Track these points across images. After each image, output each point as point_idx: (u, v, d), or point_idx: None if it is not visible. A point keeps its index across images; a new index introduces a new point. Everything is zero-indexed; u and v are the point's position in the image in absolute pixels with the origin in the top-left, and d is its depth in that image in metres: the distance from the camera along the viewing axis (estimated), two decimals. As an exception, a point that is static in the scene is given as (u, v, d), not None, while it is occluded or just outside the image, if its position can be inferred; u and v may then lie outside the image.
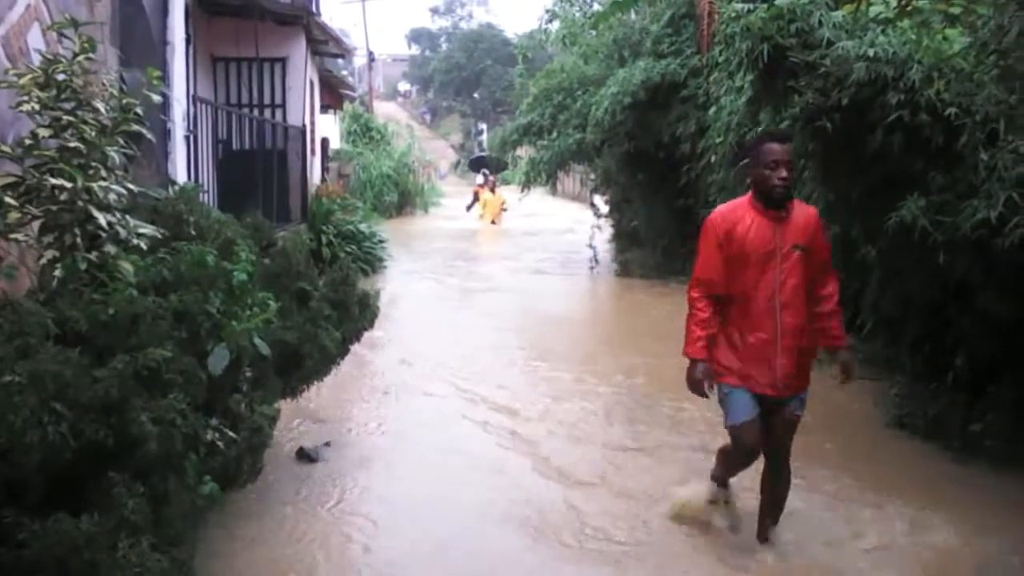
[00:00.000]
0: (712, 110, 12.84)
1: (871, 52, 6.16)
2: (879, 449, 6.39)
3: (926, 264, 6.00)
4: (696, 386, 4.48)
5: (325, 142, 22.19)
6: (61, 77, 4.23)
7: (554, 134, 15.84)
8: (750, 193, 4.51)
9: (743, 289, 4.40)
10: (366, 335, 6.41)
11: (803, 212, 4.53)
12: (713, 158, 12.72)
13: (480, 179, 31.26)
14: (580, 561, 4.70)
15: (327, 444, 6.29)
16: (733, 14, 7.29)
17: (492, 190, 28.98)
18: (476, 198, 30.52)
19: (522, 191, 17.17)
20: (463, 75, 58.69)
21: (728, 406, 4.54)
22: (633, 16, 15.70)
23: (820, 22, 6.65)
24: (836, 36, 6.52)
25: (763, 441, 4.55)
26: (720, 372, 4.52)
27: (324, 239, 14.57)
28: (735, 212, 4.47)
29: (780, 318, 4.36)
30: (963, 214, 5.66)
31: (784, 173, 4.33)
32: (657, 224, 15.54)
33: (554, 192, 28.54)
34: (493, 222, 27.56)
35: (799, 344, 4.43)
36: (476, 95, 59.57)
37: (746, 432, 4.50)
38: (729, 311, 4.48)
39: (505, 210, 28.11)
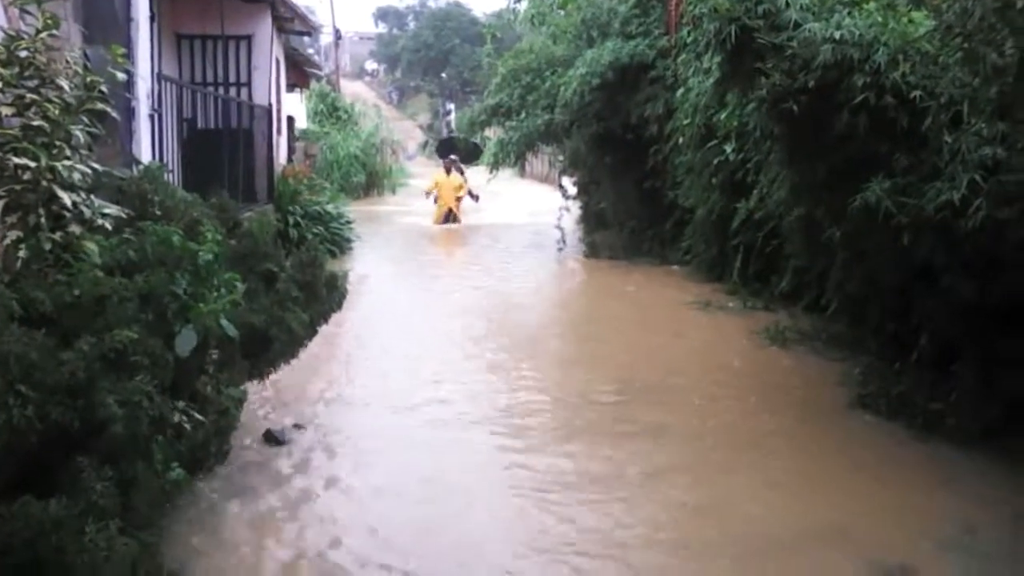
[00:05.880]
0: (680, 91, 12.87)
1: (837, 34, 6.18)
2: (842, 428, 6.48)
3: (890, 245, 6.07)
4: None
5: (291, 121, 21.97)
6: (24, 54, 4.17)
7: (522, 115, 15.79)
8: None
9: None
10: (334, 317, 6.39)
11: None
12: (681, 140, 12.76)
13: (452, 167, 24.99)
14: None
15: (295, 426, 6.27)
16: (701, -5, 7.28)
17: (448, 171, 21.72)
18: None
19: (490, 172, 17.12)
20: (431, 54, 58.30)
21: None
22: (602, -4, 15.67)
23: (787, 4, 6.66)
24: (803, 18, 6.54)
25: None
26: None
27: (291, 220, 14.47)
28: None
29: None
30: (927, 196, 5.73)
31: None
32: (625, 206, 15.59)
33: (522, 174, 28.14)
34: (450, 216, 21.03)
35: None
36: (444, 75, 59.25)
37: None
38: None
39: (465, 197, 21.80)
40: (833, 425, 6.53)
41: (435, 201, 21.47)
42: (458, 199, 21.50)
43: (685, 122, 12.45)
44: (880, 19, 6.30)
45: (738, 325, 9.69)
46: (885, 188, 5.90)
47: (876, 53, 6.07)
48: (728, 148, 11.06)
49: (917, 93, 5.93)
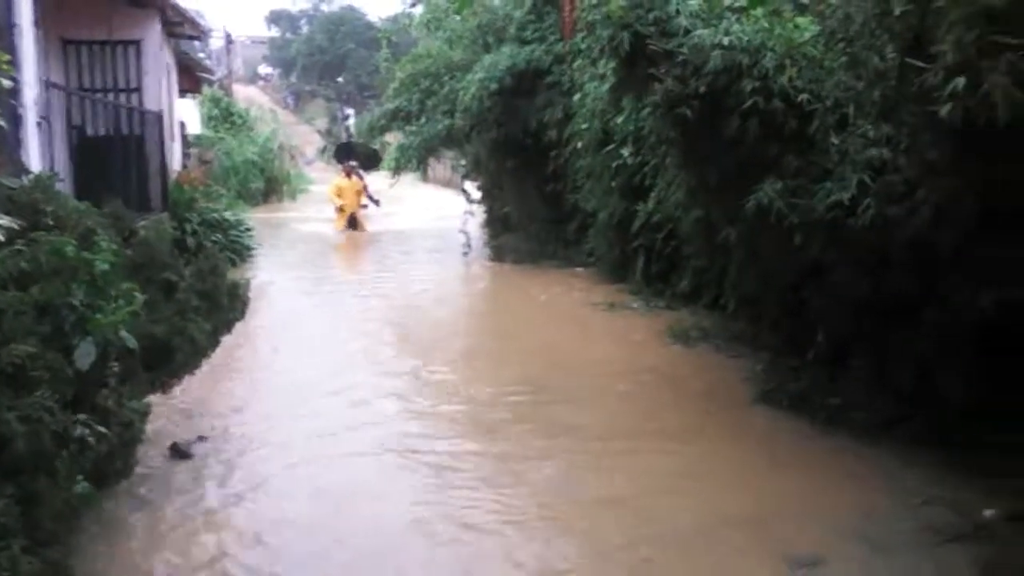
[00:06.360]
0: (577, 96, 13.04)
1: (726, 40, 6.33)
2: (747, 423, 6.66)
3: (783, 245, 6.25)
4: None
5: (183, 127, 21.50)
6: (-97, 62, 4.02)
7: (423, 120, 15.80)
8: None
9: None
10: (238, 326, 6.31)
11: None
12: (579, 144, 12.93)
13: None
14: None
15: (201, 439, 6.17)
16: (594, 1, 7.39)
17: (348, 175, 20.92)
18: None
19: (392, 177, 17.06)
20: (326, 59, 57.57)
21: None
22: (496, 1, 15.77)
23: (677, 11, 6.77)
24: (693, 25, 6.66)
25: None
26: None
27: (188, 228, 14.13)
28: None
29: None
30: (817, 196, 5.94)
31: None
32: (528, 209, 15.70)
33: (425, 178, 28.01)
34: (353, 222, 20.28)
35: None
36: (340, 79, 58.57)
37: None
38: None
39: (370, 204, 21.32)
40: (739, 421, 6.70)
41: (337, 208, 20.67)
42: (363, 205, 20.93)
43: (583, 127, 12.62)
44: (767, 25, 6.47)
45: (643, 325, 9.88)
46: (777, 189, 6.08)
47: (764, 58, 6.24)
48: (625, 152, 11.26)
49: (804, 97, 6.13)
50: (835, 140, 6.02)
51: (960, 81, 4.32)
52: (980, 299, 5.25)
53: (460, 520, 5.02)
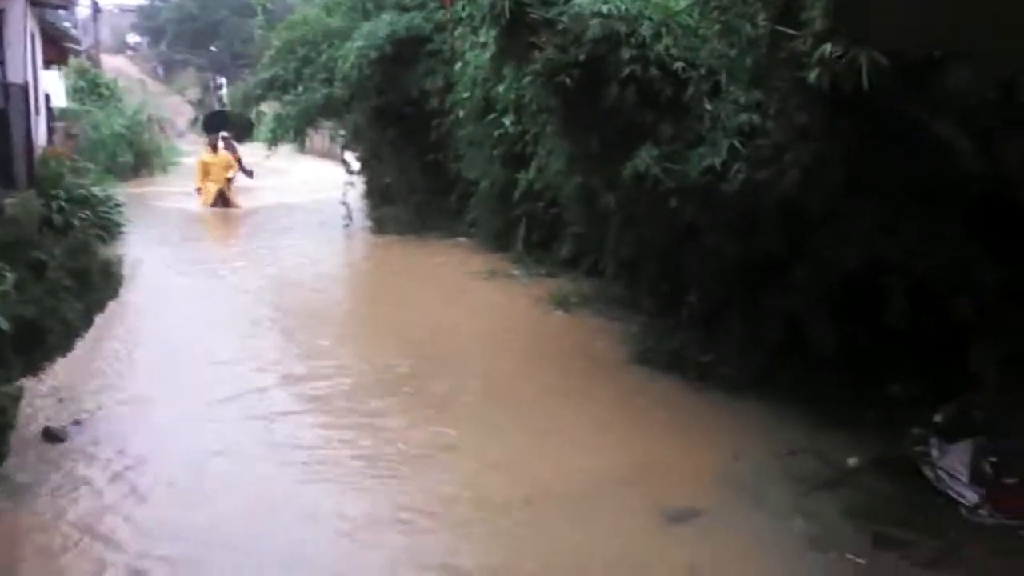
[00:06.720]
0: (458, 65, 12.96)
1: (605, 9, 6.38)
2: (624, 383, 6.84)
3: (660, 210, 6.40)
4: None
5: (48, 100, 20.51)
6: None
7: (300, 89, 15.44)
8: None
9: None
10: (111, 305, 6.12)
11: None
12: (461, 113, 12.88)
13: (220, 144, 21.30)
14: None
15: (75, 422, 5.98)
16: (474, -31, 7.34)
17: (214, 148, 20.17)
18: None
19: (269, 149, 16.64)
20: (197, 26, 55.69)
21: None
22: (375, -32, 15.49)
23: (557, -22, 6.81)
24: (572, -8, 6.71)
25: None
26: None
27: (55, 205, 13.54)
28: None
29: None
30: (691, 162, 6.09)
31: None
32: (409, 180, 15.55)
33: (303, 149, 27.37)
34: (226, 201, 19.27)
35: None
36: (213, 48, 56.80)
37: None
38: None
39: (243, 176, 20.75)
40: (616, 381, 6.89)
41: (198, 191, 19.71)
42: (228, 179, 19.83)
43: (464, 96, 12.57)
44: (644, -7, 6.56)
45: (524, 292, 9.99)
46: (653, 156, 6.21)
47: (641, 27, 6.33)
48: (507, 121, 11.28)
49: (679, 65, 6.25)
50: (708, 107, 6.16)
51: (827, 47, 4.47)
52: (846, 257, 5.49)
53: (353, 509, 4.96)
